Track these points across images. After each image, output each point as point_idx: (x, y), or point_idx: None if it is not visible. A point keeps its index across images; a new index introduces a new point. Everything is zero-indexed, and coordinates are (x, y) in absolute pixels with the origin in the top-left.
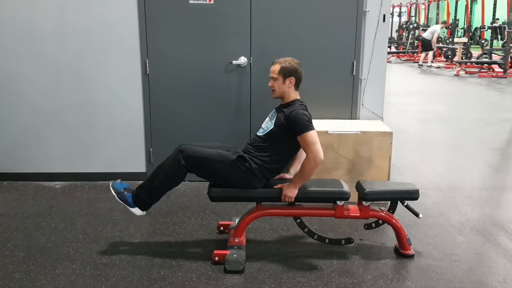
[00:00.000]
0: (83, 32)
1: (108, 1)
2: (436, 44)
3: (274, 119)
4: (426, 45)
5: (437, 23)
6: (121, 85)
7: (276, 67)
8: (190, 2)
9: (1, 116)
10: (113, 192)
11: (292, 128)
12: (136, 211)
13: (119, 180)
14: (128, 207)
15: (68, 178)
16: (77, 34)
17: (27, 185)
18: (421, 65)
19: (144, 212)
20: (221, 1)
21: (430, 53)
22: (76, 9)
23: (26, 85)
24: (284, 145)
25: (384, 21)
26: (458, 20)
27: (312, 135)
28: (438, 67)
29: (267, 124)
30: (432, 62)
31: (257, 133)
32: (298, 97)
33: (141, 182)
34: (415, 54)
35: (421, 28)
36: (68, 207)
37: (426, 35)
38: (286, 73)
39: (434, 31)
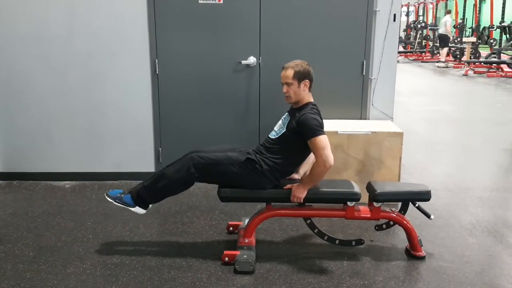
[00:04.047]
0: (92, 31)
1: (117, 1)
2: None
3: (287, 123)
4: (443, 41)
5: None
6: (130, 84)
7: (289, 72)
8: (200, 2)
9: (10, 116)
10: (109, 199)
11: (302, 132)
12: (138, 210)
13: (110, 190)
14: (129, 208)
15: (77, 177)
16: (86, 33)
17: (37, 184)
18: (444, 62)
19: (145, 211)
20: (230, 1)
21: (445, 50)
22: (85, 9)
23: (35, 85)
24: (296, 148)
25: (394, 20)
26: (466, 19)
27: (322, 140)
28: (446, 67)
29: (280, 128)
30: (438, 61)
31: (269, 136)
32: (311, 99)
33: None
34: (423, 53)
35: (429, 27)
36: (78, 207)
37: (442, 31)
38: (300, 76)
39: (446, 21)
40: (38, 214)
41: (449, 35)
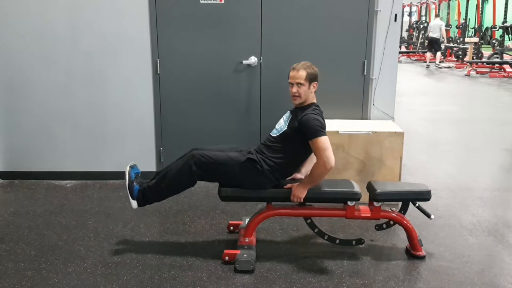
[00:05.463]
0: (95, 32)
1: (119, 1)
2: (446, 44)
3: (288, 121)
4: (434, 45)
5: (447, 22)
6: (132, 84)
7: (302, 73)
8: (201, 2)
9: (13, 116)
10: (126, 176)
11: (304, 132)
12: (134, 203)
13: (134, 164)
14: (129, 196)
15: (79, 177)
16: (88, 34)
17: (39, 183)
18: (429, 65)
19: (138, 207)
20: (232, 1)
21: (438, 53)
22: (87, 9)
23: (38, 85)
24: (296, 147)
25: (395, 20)
26: (469, 19)
27: (323, 141)
28: (449, 67)
29: (281, 126)
30: (441, 61)
31: (271, 134)
32: (315, 101)
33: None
34: (426, 53)
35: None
36: (79, 206)
37: (437, 35)
38: (312, 78)
39: (441, 25)
40: (40, 213)
41: (443, 39)
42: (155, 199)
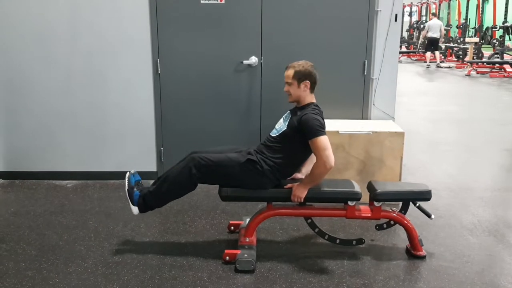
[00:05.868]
0: (95, 32)
1: (120, 1)
2: (447, 44)
3: (288, 120)
4: (434, 44)
5: (448, 22)
6: (132, 84)
7: (290, 72)
8: (202, 2)
9: (13, 116)
10: (126, 182)
11: (303, 132)
12: (135, 209)
13: (135, 171)
14: (130, 202)
15: (79, 177)
16: (88, 34)
17: (39, 183)
18: (429, 65)
19: (139, 213)
20: (232, 1)
21: (437, 53)
22: (88, 9)
23: (38, 85)
24: (296, 147)
25: (396, 20)
26: (469, 19)
27: (322, 140)
28: (449, 67)
29: (281, 125)
30: (442, 61)
31: (270, 134)
32: (314, 100)
33: (152, 182)
34: (426, 54)
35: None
36: (80, 206)
37: (437, 34)
38: (300, 77)
39: (440, 25)
40: (40, 213)
41: (442, 38)
42: (156, 204)
